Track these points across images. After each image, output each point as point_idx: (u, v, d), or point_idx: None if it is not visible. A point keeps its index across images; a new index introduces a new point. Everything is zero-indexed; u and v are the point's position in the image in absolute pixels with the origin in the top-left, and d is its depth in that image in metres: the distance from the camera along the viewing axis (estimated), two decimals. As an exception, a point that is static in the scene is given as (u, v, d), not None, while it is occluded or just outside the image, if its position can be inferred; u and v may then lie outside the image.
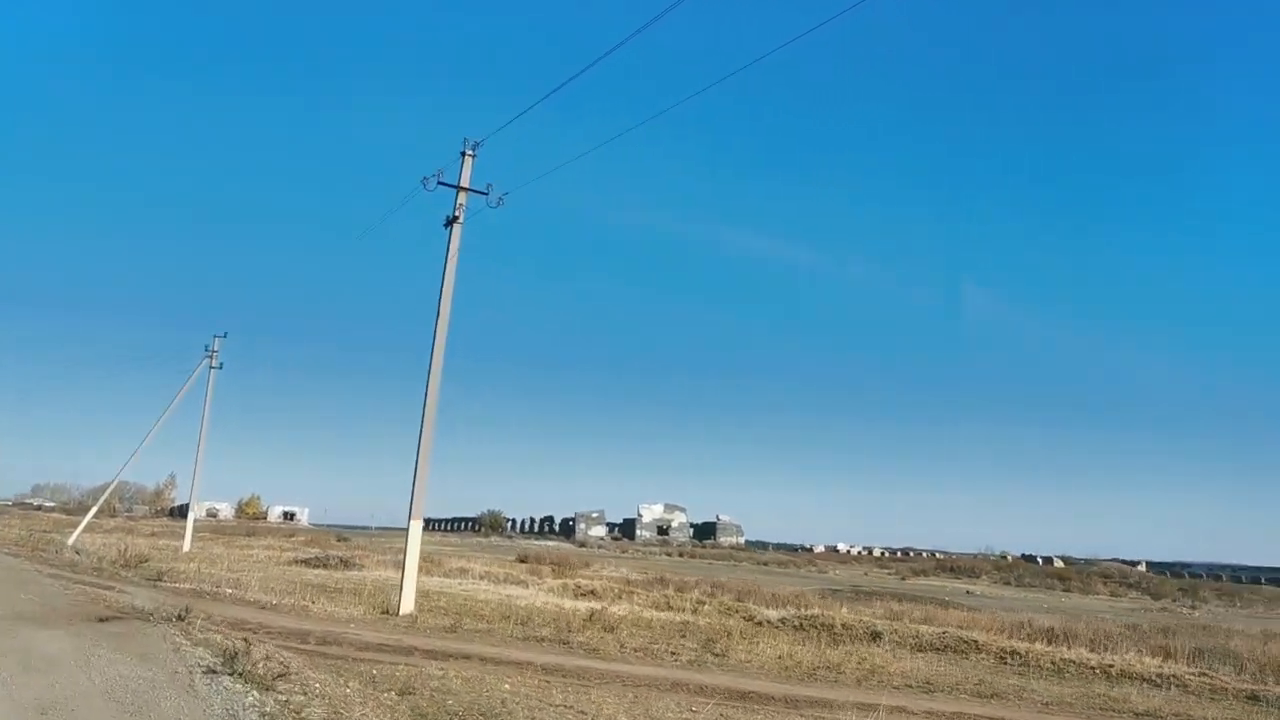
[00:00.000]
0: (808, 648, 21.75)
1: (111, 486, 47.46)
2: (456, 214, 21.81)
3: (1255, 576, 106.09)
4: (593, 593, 34.13)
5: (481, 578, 40.41)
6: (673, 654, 18.91)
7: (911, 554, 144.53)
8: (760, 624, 27.60)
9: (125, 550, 32.47)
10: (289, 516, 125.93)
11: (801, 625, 26.77)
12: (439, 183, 21.76)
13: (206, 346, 46.76)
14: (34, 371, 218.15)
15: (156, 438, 46.88)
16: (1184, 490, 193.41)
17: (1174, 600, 73.99)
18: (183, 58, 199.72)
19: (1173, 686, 18.80)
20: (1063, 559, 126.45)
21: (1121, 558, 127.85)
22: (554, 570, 43.34)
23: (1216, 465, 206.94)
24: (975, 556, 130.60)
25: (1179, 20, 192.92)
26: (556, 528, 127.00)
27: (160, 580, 26.42)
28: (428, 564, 45.51)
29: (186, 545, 46.10)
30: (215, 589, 23.08)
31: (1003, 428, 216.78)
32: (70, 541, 43.03)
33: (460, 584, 35.79)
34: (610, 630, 21.96)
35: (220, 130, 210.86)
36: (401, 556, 23.77)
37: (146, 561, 32.35)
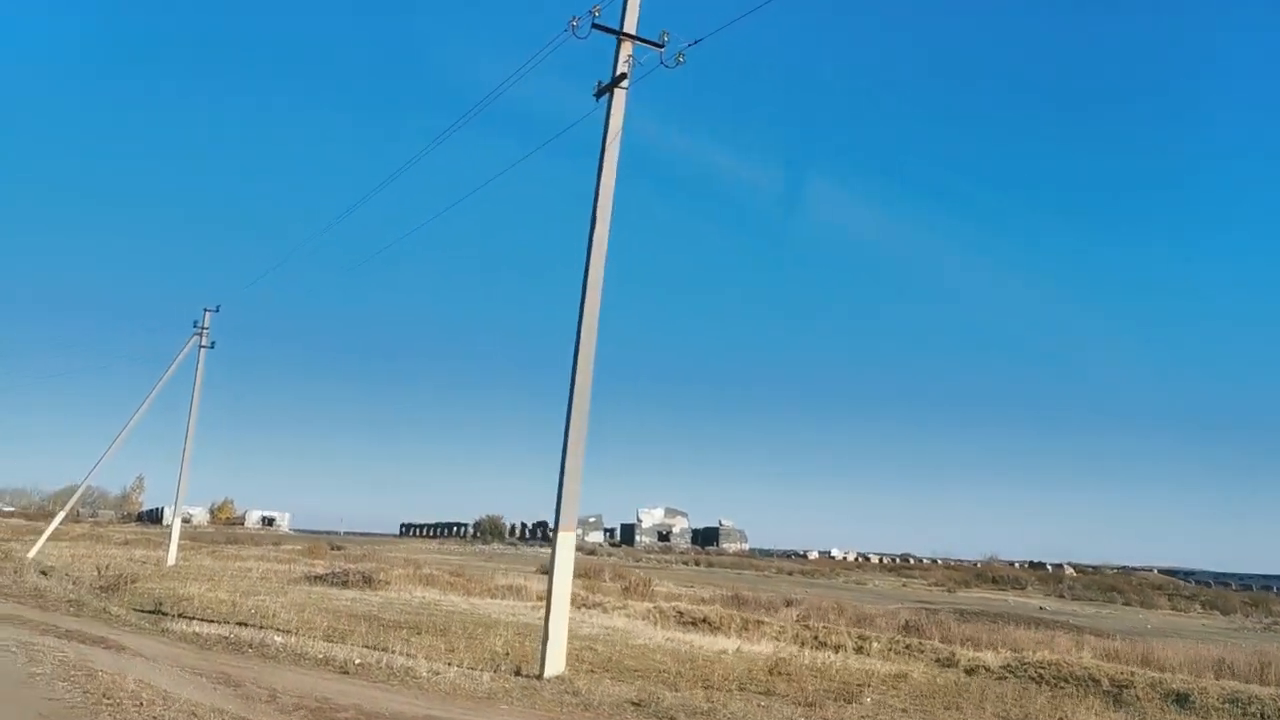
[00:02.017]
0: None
1: (81, 488, 39.95)
2: (622, 71, 14.60)
3: (1266, 585, 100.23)
4: (705, 622, 27.00)
5: (540, 598, 33.09)
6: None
7: (911, 560, 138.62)
8: (973, 671, 20.58)
9: (105, 567, 24.99)
10: (268, 522, 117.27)
11: (1041, 676, 19.72)
12: (594, 25, 14.54)
13: (195, 322, 39.17)
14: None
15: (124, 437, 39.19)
16: (1170, 495, 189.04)
17: (1246, 615, 68.38)
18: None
19: None
20: (1073, 565, 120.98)
21: (1128, 564, 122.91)
22: (624, 590, 36.04)
23: (1210, 469, 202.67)
24: (988, 563, 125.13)
25: (1169, 26, 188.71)
26: (550, 532, 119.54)
27: (163, 614, 19.02)
28: (466, 581, 38.18)
29: (172, 558, 38.44)
30: (249, 632, 15.66)
31: (991, 432, 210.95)
32: (32, 554, 35.40)
33: (534, 610, 28.46)
34: (847, 698, 14.84)
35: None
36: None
37: (134, 583, 24.87)
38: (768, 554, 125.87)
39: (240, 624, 17.61)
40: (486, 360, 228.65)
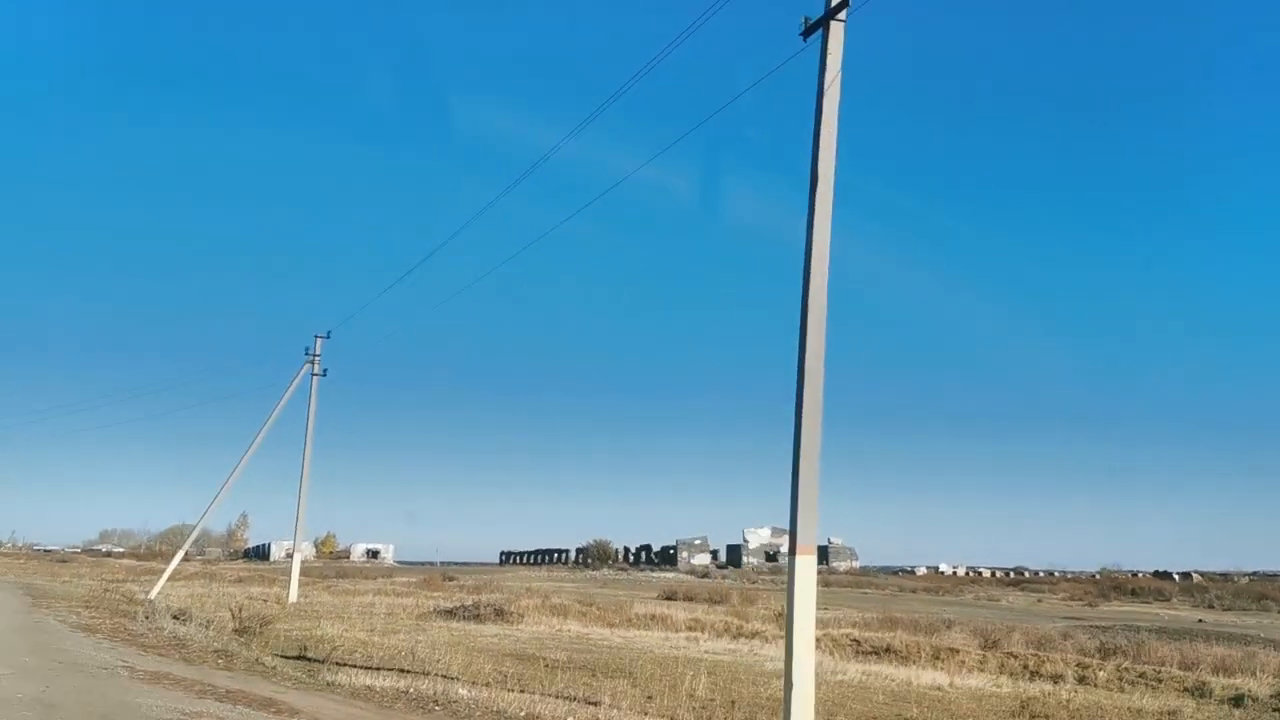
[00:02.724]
0: None
1: (197, 528, 38.57)
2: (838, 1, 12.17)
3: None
4: (890, 650, 24.15)
5: (690, 628, 30.60)
6: None
7: (1027, 573, 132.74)
8: (1239, 702, 17.46)
9: (238, 610, 23.19)
10: (372, 554, 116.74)
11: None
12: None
13: (307, 349, 37.69)
14: (98, 419, 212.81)
15: (227, 472, 37.76)
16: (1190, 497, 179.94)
17: None
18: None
19: None
20: (1200, 574, 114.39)
21: (1257, 570, 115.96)
22: (777, 616, 33.21)
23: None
24: (1109, 573, 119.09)
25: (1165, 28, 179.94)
26: (655, 556, 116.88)
27: (311, 660, 16.98)
28: (601, 611, 35.81)
29: (293, 595, 36.84)
30: (425, 684, 13.39)
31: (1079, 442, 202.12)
32: (153, 595, 34.06)
33: (695, 643, 25.91)
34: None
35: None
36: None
37: (269, 624, 22.99)
38: (875, 571, 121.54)
39: (402, 671, 15.44)
40: (579, 385, 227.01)
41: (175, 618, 21.53)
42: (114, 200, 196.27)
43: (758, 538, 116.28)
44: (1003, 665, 22.32)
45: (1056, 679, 20.71)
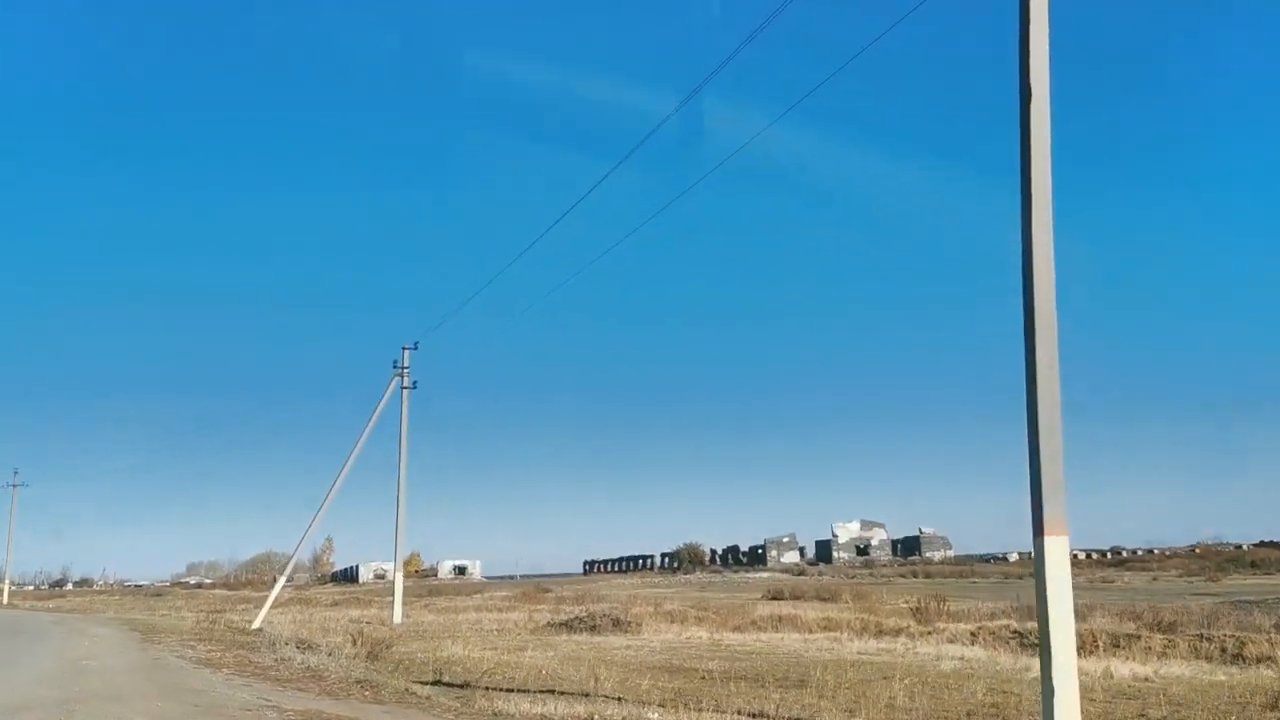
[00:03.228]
0: None
1: (296, 553, 37.74)
2: None
3: None
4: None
5: (824, 628, 28.77)
6: None
7: (1124, 552, 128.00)
8: None
9: (358, 634, 21.91)
10: (460, 571, 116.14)
11: None
12: None
13: (395, 362, 36.49)
14: (176, 453, 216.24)
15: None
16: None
17: None
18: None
19: None
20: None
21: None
22: (913, 611, 31.22)
23: None
24: (1211, 546, 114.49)
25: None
26: (743, 556, 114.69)
27: (445, 682, 15.52)
28: (717, 615, 34.11)
29: (398, 616, 35.61)
30: (612, 709, 11.76)
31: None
32: (256, 624, 33.22)
33: (840, 643, 24.04)
34: None
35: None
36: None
37: (388, 647, 21.70)
38: (973, 559, 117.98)
39: (556, 693, 13.88)
40: (649, 389, 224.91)
41: (299, 647, 20.23)
42: (171, 230, 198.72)
43: (847, 532, 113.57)
44: (1195, 649, 20.17)
45: (1261, 661, 18.59)
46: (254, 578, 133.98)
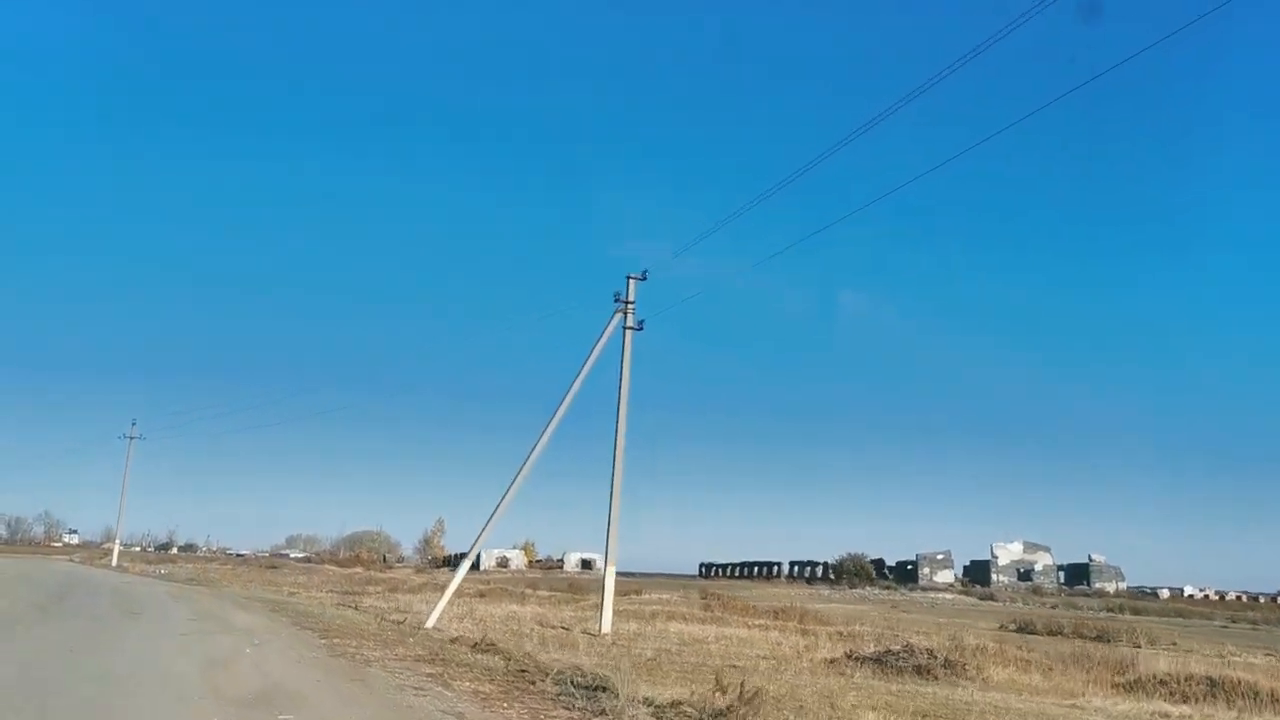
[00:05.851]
0: None
1: (479, 541, 29.69)
2: None
3: None
4: None
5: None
6: None
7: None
8: None
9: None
10: (586, 565, 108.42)
11: None
12: None
13: (617, 295, 28.23)
14: (272, 417, 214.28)
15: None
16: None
17: None
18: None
19: None
20: None
21: None
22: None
23: None
24: None
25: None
26: (889, 572, 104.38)
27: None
28: (1066, 664, 24.99)
29: (606, 624, 27.23)
30: None
31: None
32: (430, 623, 25.45)
33: None
34: None
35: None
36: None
37: (656, 672, 13.19)
38: (1146, 593, 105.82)
39: None
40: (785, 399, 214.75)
41: (594, 689, 11.89)
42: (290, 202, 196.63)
43: (1008, 554, 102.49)
44: None
45: None
46: (362, 554, 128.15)
